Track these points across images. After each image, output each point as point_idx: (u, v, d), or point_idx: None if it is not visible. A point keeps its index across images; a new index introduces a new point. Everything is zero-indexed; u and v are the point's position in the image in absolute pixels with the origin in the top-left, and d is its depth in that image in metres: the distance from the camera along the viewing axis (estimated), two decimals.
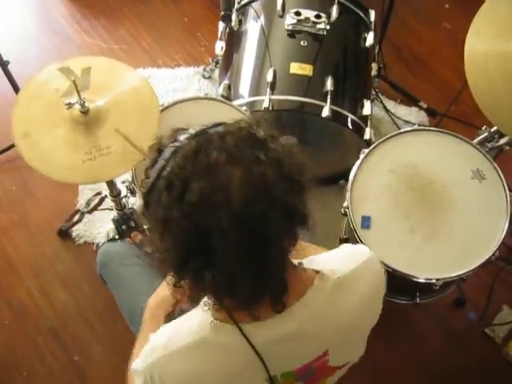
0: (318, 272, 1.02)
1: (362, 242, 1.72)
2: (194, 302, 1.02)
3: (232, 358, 0.98)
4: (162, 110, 1.81)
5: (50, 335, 2.26)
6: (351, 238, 1.87)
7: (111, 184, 1.89)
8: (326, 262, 1.08)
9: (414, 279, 1.69)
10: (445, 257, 1.72)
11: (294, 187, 0.88)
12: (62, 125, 1.58)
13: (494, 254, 1.71)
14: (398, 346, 2.27)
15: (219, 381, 1.00)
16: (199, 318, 1.00)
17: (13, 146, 1.76)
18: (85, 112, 1.57)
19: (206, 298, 0.98)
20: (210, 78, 2.85)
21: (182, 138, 0.89)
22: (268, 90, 1.97)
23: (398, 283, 1.71)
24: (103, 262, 1.72)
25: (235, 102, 2.04)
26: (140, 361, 1.04)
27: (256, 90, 2.08)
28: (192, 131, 0.89)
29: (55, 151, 1.55)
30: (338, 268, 1.04)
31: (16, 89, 2.42)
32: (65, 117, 1.58)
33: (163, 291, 1.37)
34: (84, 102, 1.56)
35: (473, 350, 2.29)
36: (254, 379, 1.03)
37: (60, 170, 1.55)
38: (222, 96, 2.09)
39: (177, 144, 0.88)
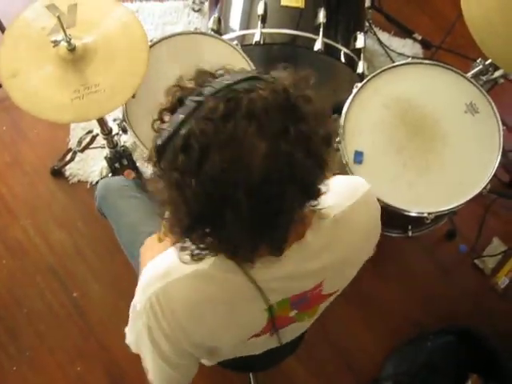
0: (315, 211, 1.00)
1: None
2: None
3: (231, 289, 1.00)
4: (150, 46, 1.77)
5: (48, 273, 2.29)
6: (343, 173, 1.87)
7: (102, 122, 1.88)
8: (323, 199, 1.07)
9: (406, 213, 1.71)
10: (437, 190, 1.73)
11: (317, 164, 0.84)
12: (50, 63, 1.55)
13: (485, 187, 1.73)
14: (390, 277, 2.32)
15: (218, 309, 1.02)
16: None
17: (0, 86, 1.73)
18: (72, 49, 1.53)
19: None
20: (199, 10, 2.77)
21: (206, 92, 0.81)
22: (259, 23, 1.93)
23: (390, 217, 1.73)
24: (102, 195, 1.72)
25: (226, 36, 2.00)
26: (138, 299, 1.04)
27: (247, 23, 2.03)
28: (218, 86, 0.81)
29: (43, 90, 1.52)
30: (335, 204, 1.03)
31: (1, 28, 2.36)
32: (52, 55, 1.54)
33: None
34: (70, 39, 1.52)
35: (463, 281, 2.35)
36: (252, 309, 1.06)
37: (48, 110, 1.52)
38: (212, 30, 2.05)
39: (200, 99, 0.81)
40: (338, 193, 1.09)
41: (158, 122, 0.88)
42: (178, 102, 0.84)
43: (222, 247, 0.89)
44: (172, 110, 0.86)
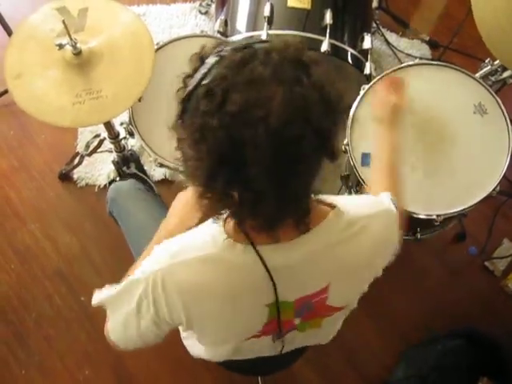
0: (333, 207, 1.03)
1: (362, 179, 1.71)
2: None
3: (239, 277, 1.00)
4: (156, 50, 1.77)
5: (56, 277, 2.30)
6: (352, 175, 1.86)
7: (109, 126, 1.87)
8: (344, 203, 1.07)
9: (415, 215, 1.70)
10: (446, 192, 1.72)
11: (331, 113, 0.87)
12: (55, 66, 1.54)
13: (495, 189, 1.71)
14: (399, 281, 2.30)
15: (220, 297, 1.02)
16: (213, 232, 1.01)
17: (7, 91, 1.73)
18: (77, 53, 1.53)
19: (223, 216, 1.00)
20: (206, 13, 2.78)
21: (227, 47, 0.87)
22: (265, 24, 1.92)
23: None
24: (113, 198, 1.72)
25: (232, 38, 2.00)
26: (143, 269, 1.05)
27: (253, 24, 2.03)
28: (237, 44, 0.87)
29: (46, 93, 1.52)
30: (354, 210, 1.05)
31: (8, 31, 2.37)
32: (58, 58, 1.54)
33: (174, 219, 1.36)
34: (76, 43, 1.52)
35: (473, 283, 2.33)
36: (255, 302, 1.06)
37: (49, 112, 1.52)
38: (219, 32, 2.04)
39: (222, 53, 0.86)
40: (362, 202, 1.15)
41: (182, 89, 0.90)
42: (200, 62, 0.88)
43: (246, 205, 0.89)
44: (195, 72, 0.88)
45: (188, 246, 1.02)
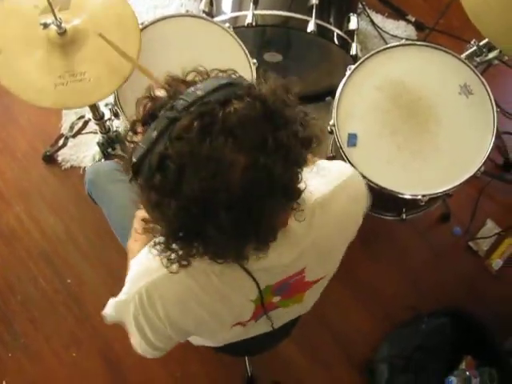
0: None
1: (348, 160, 1.71)
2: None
3: (222, 282, 1.00)
4: (142, 29, 1.74)
5: (41, 259, 2.29)
6: (338, 156, 1.86)
7: (94, 107, 1.86)
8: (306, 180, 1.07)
9: (400, 195, 1.71)
10: (431, 173, 1.73)
11: (297, 170, 0.85)
12: (39, 45, 1.51)
13: (479, 169, 1.72)
14: (384, 260, 2.32)
15: (207, 301, 1.03)
16: None
17: None
18: (62, 33, 1.50)
19: None
20: None
21: (179, 106, 0.79)
22: (251, 4, 1.90)
23: (384, 200, 1.73)
24: (91, 180, 1.70)
25: (217, 18, 1.98)
26: (126, 290, 1.05)
27: (238, 4, 2.01)
28: (191, 98, 0.79)
29: (29, 72, 1.49)
30: (316, 189, 1.03)
31: None
32: (42, 36, 1.51)
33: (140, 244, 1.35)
34: (61, 23, 1.49)
35: (457, 263, 2.36)
36: (241, 299, 1.07)
37: (31, 92, 1.49)
38: (204, 12, 2.02)
39: (173, 115, 0.79)
40: (321, 178, 1.08)
41: (131, 133, 0.86)
42: (150, 116, 0.83)
43: (208, 254, 0.88)
44: (144, 122, 0.84)
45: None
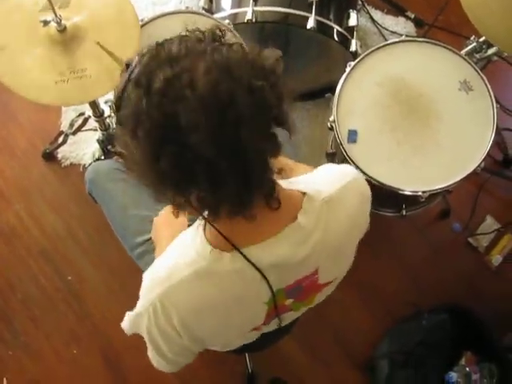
0: (304, 193, 1.01)
1: (348, 157, 1.72)
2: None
3: (234, 285, 1.00)
4: (142, 26, 1.74)
5: (41, 257, 2.29)
6: (338, 152, 1.86)
7: (94, 104, 1.85)
8: (311, 182, 1.07)
9: (400, 192, 1.71)
10: (431, 169, 1.73)
11: (259, 71, 0.85)
12: (39, 42, 1.51)
13: (479, 166, 1.72)
14: (384, 257, 2.33)
15: (222, 307, 1.03)
16: (197, 247, 0.99)
17: None
18: (62, 30, 1.51)
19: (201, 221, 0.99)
20: None
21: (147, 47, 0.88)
22: (251, 1, 1.90)
23: (384, 196, 1.73)
24: (92, 180, 1.70)
25: (217, 15, 1.98)
26: (139, 303, 1.05)
27: (238, 1, 2.01)
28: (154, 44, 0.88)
29: (29, 69, 1.49)
30: (323, 189, 1.04)
31: None
32: (42, 34, 1.52)
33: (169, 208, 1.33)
34: (60, 20, 1.49)
35: (457, 260, 2.36)
36: (255, 303, 1.06)
37: (31, 89, 1.49)
38: (204, 9, 2.02)
39: (142, 51, 0.87)
40: (327, 179, 1.11)
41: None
42: (126, 66, 0.89)
43: (205, 183, 0.84)
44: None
45: (176, 267, 1.00)
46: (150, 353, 1.14)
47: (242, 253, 0.95)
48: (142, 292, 1.06)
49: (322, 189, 1.03)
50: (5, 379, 2.13)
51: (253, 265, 0.96)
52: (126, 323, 1.11)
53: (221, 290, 1.00)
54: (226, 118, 0.79)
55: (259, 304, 1.07)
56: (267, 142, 0.87)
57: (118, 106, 0.88)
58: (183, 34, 0.89)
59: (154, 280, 1.04)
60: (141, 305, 1.05)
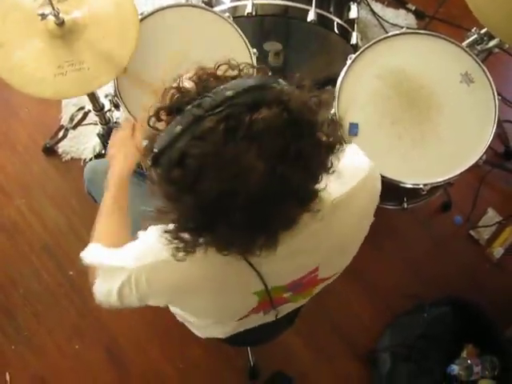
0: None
1: None
2: None
3: (224, 272, 0.99)
4: (141, 20, 1.74)
5: (43, 252, 2.29)
6: None
7: (94, 98, 1.85)
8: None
9: (401, 185, 1.71)
10: (432, 161, 1.72)
11: (315, 178, 0.85)
12: (38, 37, 1.52)
13: (481, 158, 1.72)
14: (386, 250, 2.33)
15: (207, 291, 1.03)
16: None
17: None
18: (60, 24, 1.50)
19: None
20: None
21: (206, 105, 0.78)
22: None
23: (385, 189, 1.71)
24: (90, 179, 1.70)
25: (217, 8, 1.97)
26: (127, 260, 1.05)
27: None
28: (219, 98, 0.78)
29: (28, 64, 1.50)
30: (335, 188, 0.99)
31: None
32: (41, 29, 1.51)
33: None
34: (58, 13, 1.49)
35: (458, 252, 2.36)
36: (242, 292, 1.06)
37: (30, 84, 1.50)
38: (203, 2, 2.01)
39: (199, 113, 0.78)
40: (339, 174, 1.05)
41: (154, 118, 0.86)
42: (176, 108, 0.82)
43: (216, 246, 0.88)
44: (169, 112, 0.84)
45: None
46: (103, 290, 1.13)
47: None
48: (135, 251, 1.06)
49: (333, 188, 0.98)
50: (7, 374, 2.13)
51: (248, 262, 0.96)
52: (93, 256, 1.14)
53: (209, 275, 1.00)
54: (266, 217, 0.82)
55: (247, 294, 1.06)
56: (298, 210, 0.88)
57: (155, 159, 0.82)
58: (253, 101, 0.78)
59: (146, 248, 1.04)
60: (125, 261, 1.05)
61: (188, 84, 0.85)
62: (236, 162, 0.75)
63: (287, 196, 0.81)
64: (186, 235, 0.87)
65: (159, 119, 0.85)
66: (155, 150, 0.81)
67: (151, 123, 0.85)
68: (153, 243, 1.01)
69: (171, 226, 0.88)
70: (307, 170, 0.82)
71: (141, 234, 1.07)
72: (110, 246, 1.15)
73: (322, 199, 0.96)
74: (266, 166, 0.76)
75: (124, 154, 1.40)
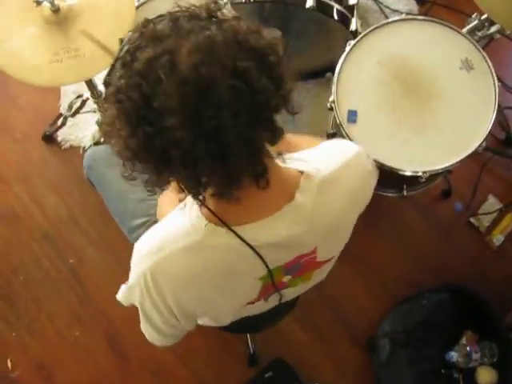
0: (302, 172, 0.99)
1: (348, 137, 1.70)
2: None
3: (227, 258, 0.99)
4: (137, 7, 1.72)
5: (43, 240, 2.30)
6: (338, 132, 1.85)
7: (92, 85, 1.84)
8: (312, 160, 1.04)
9: (401, 172, 1.70)
10: (432, 149, 1.72)
11: (250, 55, 0.81)
12: (33, 24, 1.51)
13: (481, 145, 1.71)
14: (386, 237, 2.33)
15: (214, 280, 1.03)
16: (192, 220, 0.98)
17: None
18: (55, 11, 1.50)
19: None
20: None
21: (148, 23, 0.85)
22: None
23: (385, 177, 1.71)
24: (89, 166, 1.71)
25: None
26: (131, 275, 1.05)
27: None
28: (158, 19, 0.85)
29: (23, 51, 1.49)
30: (322, 166, 1.02)
31: None
32: (36, 15, 1.51)
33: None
34: (53, 0, 1.48)
35: (458, 239, 2.36)
36: (248, 279, 1.06)
37: (26, 71, 1.50)
38: None
39: (133, 29, 0.85)
40: (327, 156, 1.09)
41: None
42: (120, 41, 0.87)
43: (186, 165, 0.82)
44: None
45: (170, 238, 1.00)
46: (143, 325, 1.14)
47: (235, 232, 0.94)
48: (133, 263, 1.06)
49: (321, 167, 1.02)
50: (9, 360, 2.15)
51: (247, 243, 0.95)
52: (121, 295, 1.12)
53: (212, 264, 1.00)
54: (204, 102, 0.76)
55: (252, 279, 1.06)
56: (256, 128, 0.83)
57: (106, 82, 0.87)
58: (176, 9, 0.86)
59: (144, 251, 1.04)
60: (132, 277, 1.05)
61: None
62: (159, 38, 0.80)
63: (223, 75, 0.77)
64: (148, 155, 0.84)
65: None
66: (106, 75, 0.88)
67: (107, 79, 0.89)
68: (149, 244, 1.03)
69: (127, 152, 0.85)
70: (237, 43, 0.81)
71: (135, 245, 1.08)
72: None
73: (311, 176, 0.98)
74: (191, 37, 0.79)
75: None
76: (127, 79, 0.80)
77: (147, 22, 0.84)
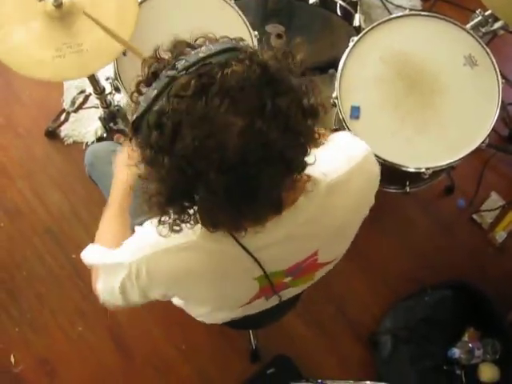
0: (309, 176, 0.98)
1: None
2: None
3: (222, 260, 1.00)
4: (141, 2, 1.72)
5: (46, 235, 2.30)
6: (341, 128, 1.85)
7: (94, 81, 1.84)
8: (318, 161, 1.00)
9: (404, 169, 1.70)
10: (435, 145, 1.71)
11: (297, 139, 0.82)
12: (36, 19, 1.51)
13: (484, 142, 1.71)
14: (389, 233, 2.33)
15: (207, 279, 1.03)
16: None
17: None
18: (58, 6, 1.49)
19: None
20: None
21: (180, 66, 0.79)
22: None
23: (387, 173, 1.71)
24: (91, 162, 1.71)
25: None
26: (126, 254, 1.06)
27: None
28: (192, 59, 0.79)
29: (26, 46, 1.49)
30: (330, 170, 1.01)
31: None
32: (39, 10, 1.51)
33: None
34: None
35: (461, 236, 2.36)
36: (243, 279, 1.06)
37: (29, 66, 1.49)
38: None
39: (173, 74, 0.79)
40: (335, 157, 1.07)
41: (136, 93, 0.86)
42: (153, 75, 0.83)
43: (202, 220, 0.88)
44: (147, 82, 0.84)
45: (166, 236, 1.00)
46: (105, 287, 1.14)
47: (235, 237, 0.94)
48: (133, 245, 1.06)
49: (328, 171, 1.00)
50: (12, 356, 2.15)
51: (243, 248, 0.95)
52: (93, 257, 1.15)
53: (208, 264, 1.00)
54: (248, 183, 0.80)
55: (248, 280, 1.06)
56: (284, 180, 0.86)
57: (135, 127, 0.84)
58: (225, 60, 0.79)
59: (144, 240, 1.04)
60: (124, 256, 1.06)
61: (165, 55, 0.86)
62: (209, 118, 0.75)
63: (269, 159, 0.78)
64: (171, 210, 0.87)
65: (140, 93, 0.85)
66: (133, 118, 0.83)
67: (134, 99, 0.86)
68: (150, 235, 1.02)
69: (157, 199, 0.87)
70: (288, 131, 0.80)
71: (137, 228, 1.09)
72: (115, 247, 1.14)
73: (317, 181, 0.97)
74: (242, 121, 0.75)
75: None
76: (167, 156, 0.78)
77: (195, 77, 0.77)
